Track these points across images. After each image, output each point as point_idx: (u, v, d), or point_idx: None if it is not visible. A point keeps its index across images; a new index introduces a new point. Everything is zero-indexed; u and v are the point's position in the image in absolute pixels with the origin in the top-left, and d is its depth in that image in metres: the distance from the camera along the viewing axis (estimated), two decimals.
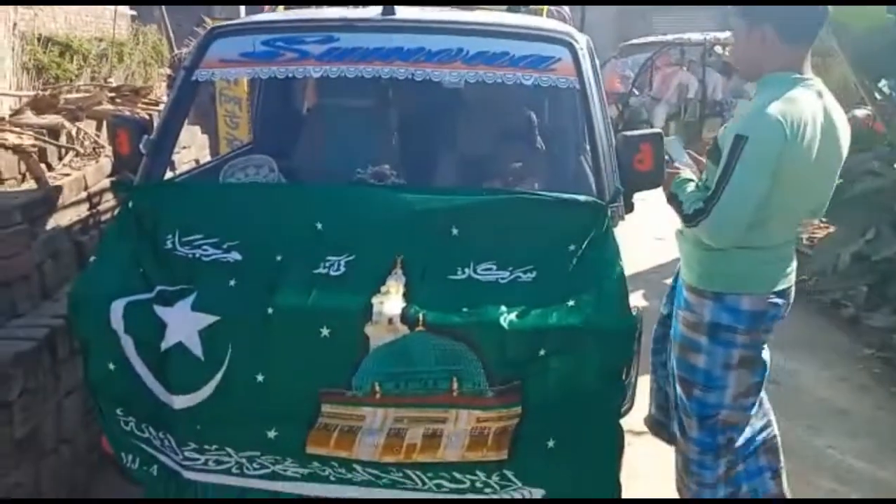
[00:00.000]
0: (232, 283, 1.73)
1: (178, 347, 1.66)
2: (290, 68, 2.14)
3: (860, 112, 6.74)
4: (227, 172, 2.28)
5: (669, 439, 2.16)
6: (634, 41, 10.24)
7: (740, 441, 2.01)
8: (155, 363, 1.69)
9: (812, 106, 1.77)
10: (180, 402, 1.67)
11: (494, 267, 1.77)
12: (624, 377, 1.74)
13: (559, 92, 2.20)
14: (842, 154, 1.87)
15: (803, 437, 2.93)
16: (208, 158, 4.22)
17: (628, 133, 2.00)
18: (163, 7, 7.17)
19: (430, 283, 1.73)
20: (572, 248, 1.76)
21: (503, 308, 1.66)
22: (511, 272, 1.76)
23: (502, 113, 2.69)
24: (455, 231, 1.80)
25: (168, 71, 6.40)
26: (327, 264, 1.75)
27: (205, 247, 1.81)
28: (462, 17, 2.35)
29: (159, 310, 1.68)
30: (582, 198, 1.85)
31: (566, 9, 3.28)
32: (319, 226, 1.82)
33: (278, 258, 1.77)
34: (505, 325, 1.63)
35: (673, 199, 1.91)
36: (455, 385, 1.63)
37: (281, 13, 2.85)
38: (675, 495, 2.16)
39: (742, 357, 1.91)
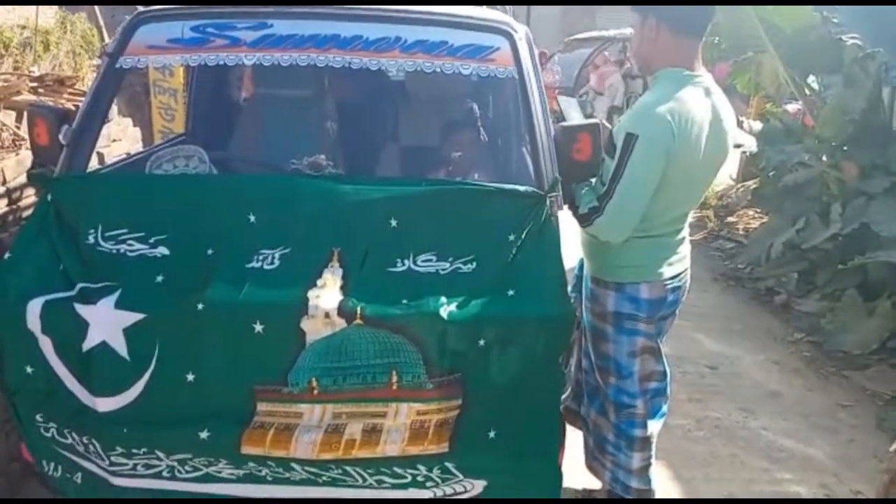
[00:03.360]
0: (159, 278, 1.66)
1: (102, 347, 1.58)
2: (221, 55, 2.05)
3: (791, 107, 7.02)
4: (155, 164, 2.17)
5: (582, 426, 2.20)
6: (578, 36, 10.40)
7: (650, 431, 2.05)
8: (76, 365, 1.60)
9: (700, 104, 1.83)
10: (105, 404, 1.59)
11: (434, 258, 1.74)
12: (563, 364, 1.75)
13: (498, 82, 2.18)
14: (727, 149, 1.95)
15: (739, 419, 3.03)
16: None
17: (567, 123, 2.00)
18: None
19: (368, 275, 1.69)
20: (512, 237, 1.76)
21: (443, 299, 1.64)
22: (451, 263, 1.74)
23: (441, 102, 2.67)
24: (394, 222, 1.77)
25: (99, 62, 6.12)
26: (261, 258, 1.69)
27: (130, 241, 1.72)
28: (400, 5, 2.31)
29: (80, 308, 1.59)
30: (521, 188, 1.84)
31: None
32: (252, 218, 1.76)
33: (209, 252, 1.70)
34: (445, 316, 1.61)
35: (570, 203, 1.94)
36: (394, 378, 1.60)
37: None
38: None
39: (644, 345, 1.97)
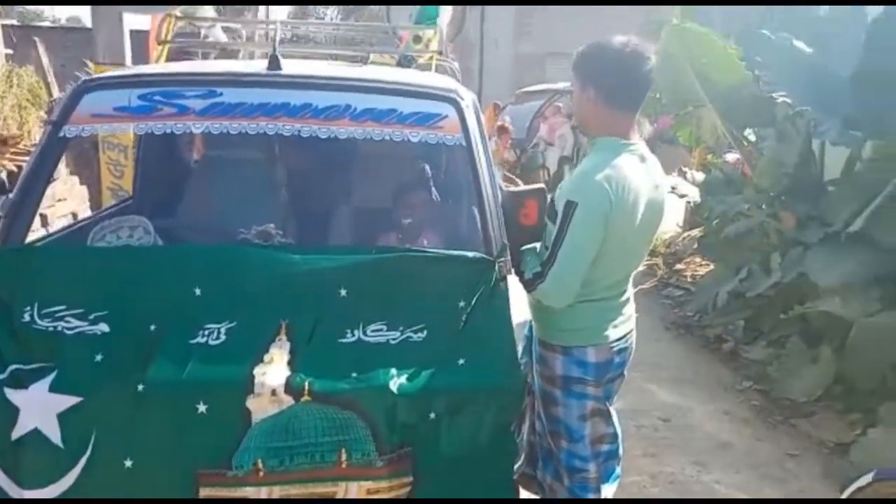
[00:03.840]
0: (98, 358, 1.61)
1: (33, 435, 1.51)
2: (169, 124, 2.04)
3: (731, 156, 7.33)
4: (97, 235, 2.13)
5: (538, 491, 2.19)
6: (528, 88, 10.72)
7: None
8: (3, 456, 1.52)
9: (635, 170, 1.90)
10: (33, 497, 1.50)
11: (385, 328, 1.74)
12: (515, 432, 1.75)
13: (446, 149, 2.23)
14: (662, 212, 2.03)
15: (692, 473, 3.06)
16: (88, 212, 3.96)
17: (514, 189, 2.04)
18: (40, 47, 6.76)
19: (317, 348, 1.68)
20: (462, 304, 1.77)
21: (393, 371, 1.63)
22: (402, 332, 1.74)
23: (391, 170, 2.70)
24: (343, 292, 1.76)
25: (46, 116, 6.00)
26: (206, 333, 1.66)
27: (68, 318, 1.67)
28: (349, 73, 2.35)
29: (11, 393, 1.52)
30: (470, 254, 1.87)
31: (455, 64, 3.37)
32: (198, 291, 1.73)
33: (152, 328, 1.66)
34: (395, 389, 1.60)
35: (516, 268, 1.97)
36: (343, 456, 1.57)
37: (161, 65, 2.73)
38: None
39: (593, 408, 1.99)
